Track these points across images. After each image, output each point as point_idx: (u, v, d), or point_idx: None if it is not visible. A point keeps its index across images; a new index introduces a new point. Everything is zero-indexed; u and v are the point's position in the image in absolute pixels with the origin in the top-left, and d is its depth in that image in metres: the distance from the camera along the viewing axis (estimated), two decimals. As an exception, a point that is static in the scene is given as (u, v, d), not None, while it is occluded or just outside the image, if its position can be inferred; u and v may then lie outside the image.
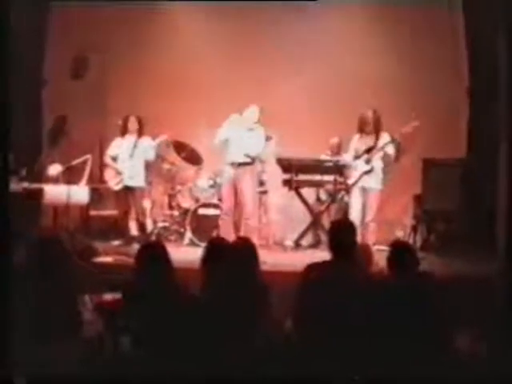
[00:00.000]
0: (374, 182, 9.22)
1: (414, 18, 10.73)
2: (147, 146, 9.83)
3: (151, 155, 9.90)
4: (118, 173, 9.84)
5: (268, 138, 9.73)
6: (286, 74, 11.31)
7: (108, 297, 5.73)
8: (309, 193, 10.51)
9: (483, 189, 9.48)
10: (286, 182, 10.18)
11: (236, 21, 11.36)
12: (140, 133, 9.87)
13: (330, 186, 10.13)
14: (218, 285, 4.81)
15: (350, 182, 9.41)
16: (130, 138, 9.84)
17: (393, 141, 9.14)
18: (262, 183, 10.45)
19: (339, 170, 9.85)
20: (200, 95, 11.25)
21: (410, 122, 9.09)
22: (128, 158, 9.79)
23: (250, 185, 9.46)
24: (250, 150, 9.36)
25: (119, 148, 9.91)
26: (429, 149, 10.40)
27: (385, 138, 9.19)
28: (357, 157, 9.28)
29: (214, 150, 10.01)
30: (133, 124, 9.84)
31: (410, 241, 9.85)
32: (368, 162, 9.17)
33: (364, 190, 9.24)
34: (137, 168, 9.84)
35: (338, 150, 10.63)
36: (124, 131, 9.91)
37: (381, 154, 9.19)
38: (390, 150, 9.20)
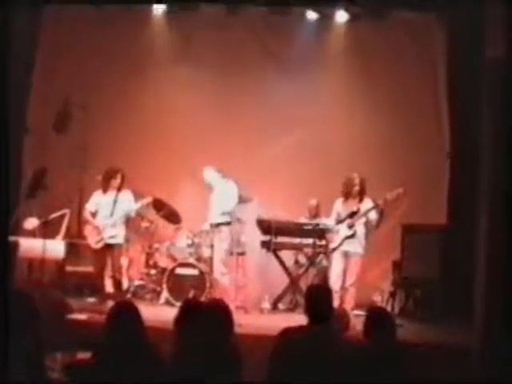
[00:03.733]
0: (356, 247, 9.21)
1: (397, 84, 10.84)
2: (127, 202, 9.72)
3: (132, 211, 9.78)
4: (98, 230, 9.70)
5: (248, 199, 9.77)
6: (269, 134, 11.33)
7: (79, 355, 5.61)
8: (287, 255, 10.47)
9: (462, 256, 9.48)
10: (265, 244, 10.14)
11: (223, 79, 11.41)
12: (120, 188, 9.75)
13: (308, 249, 10.10)
14: (191, 346, 4.72)
15: (331, 245, 9.40)
16: (111, 194, 9.74)
17: (376, 206, 9.15)
18: (240, 244, 10.39)
19: (318, 233, 9.84)
20: (183, 152, 11.26)
21: (395, 189, 9.11)
22: (108, 215, 9.68)
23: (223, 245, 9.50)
24: (225, 208, 9.46)
25: (99, 203, 9.79)
26: (408, 214, 10.42)
27: (368, 203, 9.21)
28: (339, 221, 9.27)
29: (194, 208, 10.03)
30: (116, 180, 9.72)
31: (388, 306, 9.79)
32: (351, 226, 9.16)
33: (346, 255, 9.22)
34: (117, 225, 9.72)
35: (317, 212, 10.63)
36: (105, 186, 9.76)
37: (363, 219, 9.18)
38: (373, 215, 9.20)
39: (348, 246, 9.21)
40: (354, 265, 9.21)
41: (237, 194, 9.72)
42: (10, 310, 4.39)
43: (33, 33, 11.24)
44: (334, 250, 9.30)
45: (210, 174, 9.93)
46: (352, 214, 9.21)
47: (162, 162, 11.28)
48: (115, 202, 9.68)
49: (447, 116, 10.66)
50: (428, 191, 10.69)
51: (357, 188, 9.22)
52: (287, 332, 5.03)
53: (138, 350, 4.57)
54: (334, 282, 9.12)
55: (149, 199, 9.85)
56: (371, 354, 4.83)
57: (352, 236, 9.17)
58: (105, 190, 9.75)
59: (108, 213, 9.67)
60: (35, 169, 11.00)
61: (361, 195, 9.26)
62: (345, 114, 11.16)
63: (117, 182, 9.70)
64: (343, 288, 9.09)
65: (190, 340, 4.75)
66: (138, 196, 9.84)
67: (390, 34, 10.96)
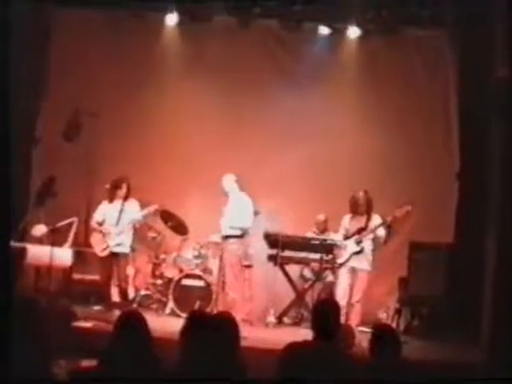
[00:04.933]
0: (364, 263, 9.19)
1: (407, 102, 10.83)
2: (134, 211, 9.75)
3: (137, 220, 9.81)
4: (104, 238, 9.74)
5: (256, 213, 9.76)
6: (278, 149, 11.34)
7: (84, 362, 5.62)
8: (293, 269, 10.46)
9: (469, 274, 9.46)
10: (272, 258, 10.14)
11: (233, 92, 11.43)
12: (127, 197, 9.79)
13: (315, 264, 10.09)
14: (195, 358, 4.72)
15: (339, 261, 9.36)
16: (117, 203, 9.77)
17: (384, 223, 9.14)
18: (247, 257, 10.38)
19: (326, 248, 9.83)
20: (192, 164, 11.27)
21: (403, 206, 9.10)
22: (115, 224, 9.71)
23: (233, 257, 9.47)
24: (238, 222, 9.43)
25: (106, 213, 9.83)
26: (416, 232, 10.41)
27: (376, 219, 9.19)
28: (347, 237, 9.26)
29: (201, 220, 10.04)
30: (122, 190, 9.76)
31: (393, 324, 9.76)
32: (358, 243, 9.15)
33: (353, 271, 9.20)
34: (123, 234, 9.75)
35: (325, 227, 10.63)
36: (112, 196, 9.82)
37: (371, 235, 9.17)
38: (381, 232, 9.19)
39: (355, 262, 9.19)
40: (361, 281, 9.18)
41: (252, 210, 9.66)
42: (13, 315, 4.39)
43: (43, 43, 11.31)
44: (341, 265, 9.28)
45: (229, 183, 9.80)
46: (360, 230, 9.20)
47: (170, 172, 11.31)
48: (121, 211, 9.72)
49: (457, 135, 10.64)
50: (436, 210, 10.66)
51: (363, 204, 9.22)
52: (293, 347, 5.01)
53: (144, 359, 4.57)
54: (341, 298, 9.06)
55: (155, 206, 9.86)
56: (377, 371, 4.82)
57: (359, 252, 9.16)
58: (111, 200, 9.81)
59: (114, 221, 9.72)
60: (44, 177, 11.07)
61: (368, 211, 9.25)
62: (354, 131, 11.14)
63: (123, 191, 9.75)
64: (349, 304, 9.06)
65: (195, 351, 4.74)
66: (144, 205, 9.88)
67: (401, 51, 10.96)
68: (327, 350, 4.93)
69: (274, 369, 4.89)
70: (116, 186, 9.78)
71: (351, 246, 9.21)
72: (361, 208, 9.25)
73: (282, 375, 4.81)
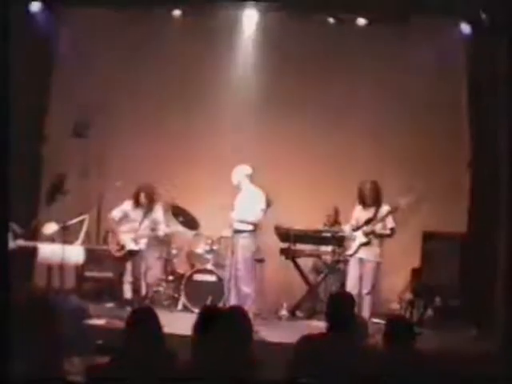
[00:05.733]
0: (371, 254, 9.15)
1: (417, 91, 10.76)
2: (158, 220, 9.89)
3: (160, 229, 9.93)
4: (122, 243, 9.81)
5: (268, 204, 9.69)
6: (289, 141, 11.30)
7: (97, 360, 5.61)
8: (305, 262, 10.43)
9: (482, 264, 9.41)
10: (284, 251, 10.11)
11: (243, 87, 11.41)
12: (151, 205, 9.89)
13: (327, 257, 10.07)
14: (208, 353, 4.70)
15: (347, 253, 9.35)
16: (141, 208, 9.93)
17: (390, 212, 9.10)
18: (259, 251, 10.34)
19: (337, 240, 9.81)
20: (203, 158, 11.26)
21: (408, 195, 9.08)
22: (136, 229, 9.81)
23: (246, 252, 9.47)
24: (249, 216, 9.40)
25: (128, 214, 9.91)
26: (429, 222, 10.36)
27: (384, 209, 9.15)
28: (356, 228, 9.23)
29: (213, 215, 10.04)
30: (148, 196, 9.85)
31: (407, 315, 9.73)
32: (367, 234, 9.12)
33: (361, 262, 9.17)
34: (142, 236, 9.83)
35: (336, 219, 10.60)
36: (137, 200, 9.93)
37: (380, 225, 9.14)
38: (390, 222, 9.16)
39: (363, 253, 9.18)
40: (370, 272, 9.15)
41: (263, 203, 9.62)
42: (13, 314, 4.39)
43: (50, 40, 11.30)
44: (350, 256, 9.27)
45: (240, 175, 9.66)
46: (368, 221, 9.18)
47: (181, 167, 11.29)
48: (145, 217, 9.79)
49: (468, 126, 10.57)
50: (449, 200, 10.60)
51: (371, 195, 9.20)
52: (307, 339, 5.00)
53: (157, 355, 4.56)
54: (351, 290, 9.09)
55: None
56: (391, 363, 4.80)
57: (367, 243, 9.14)
58: (136, 204, 9.85)
59: (136, 226, 9.77)
60: (54, 175, 11.07)
61: (377, 202, 9.23)
62: (365, 122, 11.08)
63: (149, 198, 9.80)
64: (360, 296, 9.04)
65: (208, 346, 4.73)
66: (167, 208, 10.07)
67: (412, 40, 10.87)
68: (342, 342, 4.91)
69: (288, 362, 4.88)
70: (144, 192, 9.91)
71: (359, 237, 9.20)
72: (368, 199, 9.24)
73: (297, 368, 4.79)
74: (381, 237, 9.19)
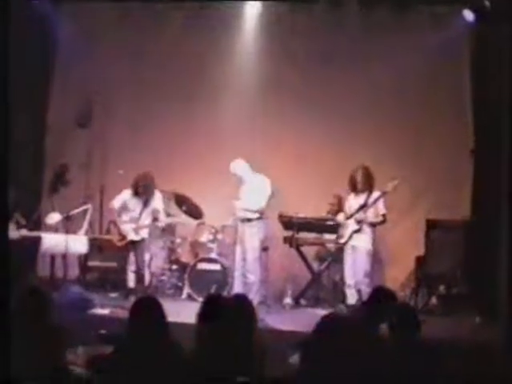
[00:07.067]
0: (363, 242, 9.22)
1: (420, 78, 10.72)
2: (157, 207, 9.87)
3: (161, 219, 9.91)
4: (124, 233, 9.80)
5: (272, 193, 9.69)
6: (291, 129, 11.28)
7: (101, 349, 5.62)
8: (309, 250, 10.43)
9: (487, 252, 9.39)
10: (287, 239, 10.11)
11: (244, 77, 11.38)
12: (150, 193, 9.85)
13: (331, 245, 10.06)
14: (213, 342, 4.71)
15: (341, 241, 9.45)
16: (141, 198, 9.88)
17: (379, 198, 9.16)
18: (264, 239, 10.33)
19: (335, 228, 9.84)
20: (206, 147, 11.22)
21: (393, 180, 9.11)
22: (136, 218, 9.79)
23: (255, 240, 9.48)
24: (254, 204, 9.41)
25: (127, 203, 9.88)
26: (433, 209, 10.35)
27: (375, 195, 9.20)
28: (350, 215, 9.27)
29: (217, 203, 10.05)
30: (147, 184, 9.82)
31: (411, 303, 9.72)
32: (358, 220, 9.16)
33: (354, 249, 9.25)
34: (143, 223, 9.81)
35: (339, 207, 10.59)
36: (136, 189, 9.88)
37: (372, 212, 9.16)
38: (381, 208, 9.24)
39: (356, 241, 9.25)
40: (362, 259, 9.22)
41: (269, 188, 9.62)
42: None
43: (50, 31, 11.28)
44: (343, 245, 9.38)
45: (240, 167, 9.78)
46: (360, 208, 9.22)
47: (184, 156, 11.27)
48: (145, 206, 9.78)
49: (471, 113, 10.54)
50: (452, 187, 10.58)
51: (362, 181, 9.24)
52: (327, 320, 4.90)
53: (161, 345, 4.57)
54: (348, 278, 9.24)
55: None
56: (396, 351, 4.80)
57: (359, 230, 9.18)
58: (135, 193, 9.83)
59: (136, 215, 9.76)
60: (56, 165, 11.08)
61: (369, 187, 9.26)
62: (367, 108, 11.02)
63: (148, 186, 9.78)
64: (356, 283, 9.13)
65: (212, 335, 4.74)
66: (164, 195, 9.98)
67: (415, 27, 10.80)
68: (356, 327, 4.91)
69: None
70: (142, 180, 9.85)
71: (351, 224, 9.25)
72: (359, 185, 9.32)
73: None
74: (372, 225, 9.23)
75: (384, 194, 9.21)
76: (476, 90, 10.41)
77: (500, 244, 8.00)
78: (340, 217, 9.60)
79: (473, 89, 10.47)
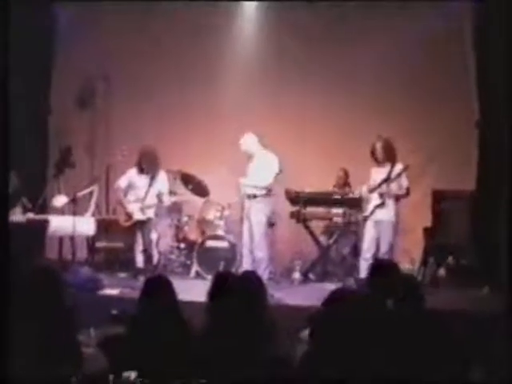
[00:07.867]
0: (387, 215, 9.14)
1: (425, 52, 10.67)
2: (162, 185, 9.81)
3: (165, 195, 9.83)
4: (130, 212, 9.78)
5: (280, 170, 9.65)
6: (297, 105, 11.24)
7: (112, 330, 5.64)
8: (317, 225, 10.42)
9: (493, 222, 9.39)
10: (294, 215, 10.09)
11: (252, 53, 11.37)
12: (155, 171, 9.82)
13: (338, 219, 10.03)
14: (223, 319, 4.72)
15: (363, 214, 9.35)
16: (146, 176, 9.82)
17: (403, 171, 9.08)
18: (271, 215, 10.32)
19: (349, 202, 9.80)
20: (210, 124, 11.21)
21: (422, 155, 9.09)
22: (142, 197, 9.73)
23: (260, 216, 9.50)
24: (261, 180, 9.41)
25: (133, 182, 9.83)
26: (439, 181, 10.34)
27: (398, 168, 9.13)
28: (373, 189, 9.21)
29: (222, 181, 10.05)
30: (151, 162, 9.77)
31: (419, 274, 9.73)
32: (381, 194, 9.11)
33: (377, 223, 9.16)
34: (149, 203, 9.77)
35: (345, 181, 10.58)
36: (140, 167, 9.83)
37: (395, 185, 9.12)
38: (404, 181, 9.15)
39: (379, 215, 9.16)
40: (387, 233, 9.15)
41: (277, 165, 9.58)
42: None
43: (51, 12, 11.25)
44: (366, 218, 9.26)
45: (250, 142, 9.69)
46: (383, 181, 9.15)
47: (189, 134, 11.25)
48: (150, 185, 9.73)
49: (476, 85, 10.49)
50: (458, 159, 10.55)
51: (382, 153, 9.17)
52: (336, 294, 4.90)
53: (172, 323, 4.58)
54: (366, 251, 9.13)
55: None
56: (402, 322, 4.81)
57: (382, 204, 9.12)
58: (140, 171, 9.80)
59: (142, 194, 9.72)
60: (61, 147, 11.08)
61: (391, 160, 9.19)
62: (374, 84, 10.98)
63: (152, 162, 9.75)
64: (376, 256, 9.04)
65: (223, 312, 4.75)
66: (170, 175, 10.03)
67: (418, 6, 10.73)
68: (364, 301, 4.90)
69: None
70: (145, 158, 9.79)
71: (374, 198, 9.18)
72: (380, 157, 9.21)
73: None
74: (396, 198, 9.19)
75: (407, 167, 9.13)
76: (480, 63, 10.36)
77: (504, 214, 8.03)
78: (363, 189, 9.44)
79: (477, 62, 10.41)
